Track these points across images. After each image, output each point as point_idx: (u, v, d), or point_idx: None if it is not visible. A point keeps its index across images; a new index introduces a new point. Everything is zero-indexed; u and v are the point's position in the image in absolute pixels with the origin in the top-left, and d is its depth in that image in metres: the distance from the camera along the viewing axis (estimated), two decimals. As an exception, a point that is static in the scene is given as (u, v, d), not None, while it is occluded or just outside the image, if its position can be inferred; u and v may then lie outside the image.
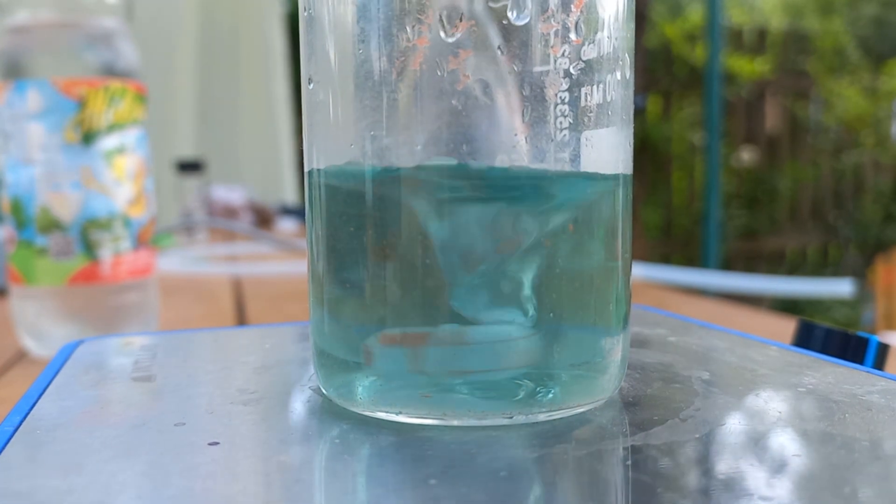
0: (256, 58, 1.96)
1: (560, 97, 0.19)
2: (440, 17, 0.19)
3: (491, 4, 0.19)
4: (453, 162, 0.19)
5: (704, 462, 0.18)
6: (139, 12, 1.61)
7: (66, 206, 0.40)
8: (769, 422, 0.20)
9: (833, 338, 0.29)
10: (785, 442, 0.18)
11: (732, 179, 3.53)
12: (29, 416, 0.21)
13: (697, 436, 0.19)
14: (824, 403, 0.21)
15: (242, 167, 1.92)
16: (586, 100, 0.20)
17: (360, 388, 0.20)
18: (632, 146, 0.22)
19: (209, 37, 1.87)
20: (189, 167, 1.24)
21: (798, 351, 0.27)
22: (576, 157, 0.20)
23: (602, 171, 0.20)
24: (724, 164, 3.12)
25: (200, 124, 1.85)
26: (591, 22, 0.19)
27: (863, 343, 0.28)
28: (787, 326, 0.50)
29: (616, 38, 0.20)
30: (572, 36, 0.19)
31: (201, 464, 0.18)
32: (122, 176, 0.41)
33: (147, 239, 0.44)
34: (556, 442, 0.19)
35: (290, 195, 1.98)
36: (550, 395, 0.20)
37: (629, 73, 0.21)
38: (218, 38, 1.89)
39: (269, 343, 0.30)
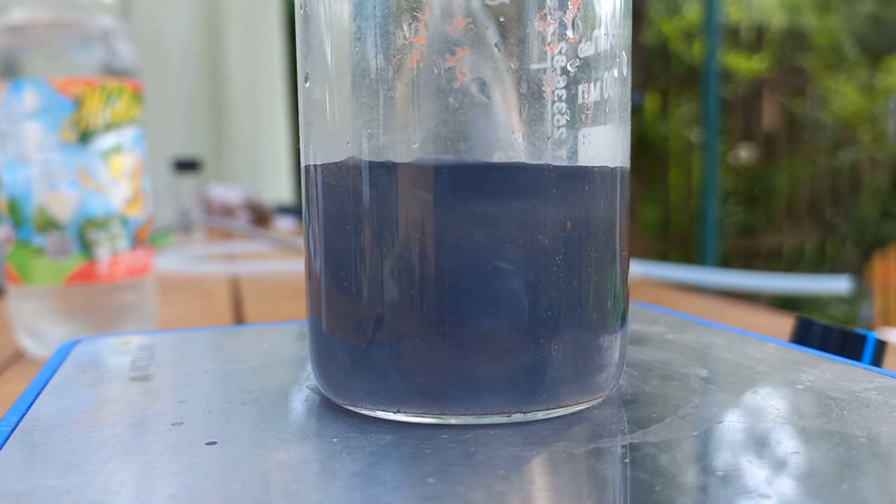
0: (253, 56, 1.96)
1: (557, 94, 0.19)
2: (437, 14, 0.19)
3: (488, 2, 0.18)
4: (450, 159, 0.19)
5: (703, 459, 0.18)
6: (136, 11, 1.61)
7: (63, 206, 0.40)
8: (767, 419, 0.20)
9: (831, 335, 0.29)
10: (783, 439, 0.18)
11: (730, 177, 3.53)
12: (26, 416, 0.21)
13: (696, 433, 0.19)
14: (822, 400, 0.21)
15: (240, 166, 1.91)
16: (583, 97, 0.20)
17: (357, 387, 0.20)
18: (629, 143, 0.22)
19: (206, 35, 1.86)
20: (186, 166, 1.24)
21: (796, 348, 0.27)
22: (573, 155, 0.20)
23: (599, 169, 0.20)
24: (721, 161, 3.13)
25: (197, 123, 1.84)
26: (588, 19, 0.19)
27: (860, 340, 0.28)
28: (784, 323, 0.50)
29: (613, 36, 0.20)
30: (569, 33, 0.19)
31: (199, 463, 0.17)
32: (119, 175, 0.41)
33: (144, 238, 0.44)
34: (555, 440, 0.19)
35: (285, 194, 1.98)
36: (548, 393, 0.20)
37: (626, 71, 0.21)
38: (215, 36, 1.89)
39: (266, 342, 0.30)
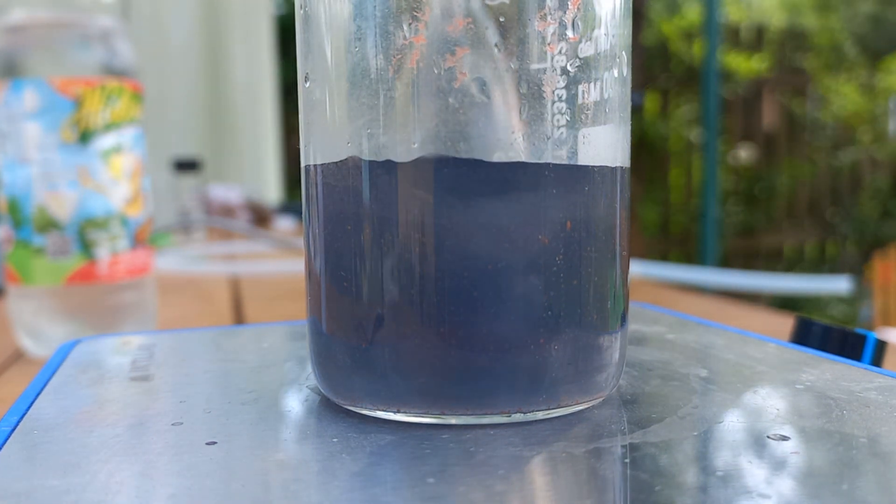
0: (253, 55, 1.96)
1: (557, 94, 0.19)
2: (437, 14, 0.19)
3: (488, 2, 0.18)
4: (450, 159, 0.19)
5: (703, 459, 0.18)
6: (136, 11, 1.61)
7: (63, 206, 0.40)
8: (767, 419, 0.20)
9: (831, 335, 0.29)
10: (783, 439, 0.18)
11: (730, 177, 3.53)
12: (26, 416, 0.21)
13: (696, 433, 0.19)
14: (822, 400, 0.21)
15: (240, 166, 1.92)
16: (583, 97, 0.20)
17: (357, 387, 0.20)
18: (629, 143, 0.22)
19: (206, 35, 1.86)
20: (186, 166, 1.24)
21: (796, 348, 0.27)
22: (573, 155, 0.20)
23: (599, 169, 0.20)
24: (721, 161, 3.13)
25: (197, 123, 1.84)
26: (588, 19, 0.19)
27: (860, 340, 0.28)
28: (784, 323, 0.50)
29: (613, 36, 0.20)
30: (569, 33, 0.19)
31: (199, 463, 0.17)
32: (119, 175, 0.41)
33: (144, 238, 0.44)
34: (555, 440, 0.19)
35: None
36: (548, 393, 0.20)
37: (626, 71, 0.21)
38: (215, 36, 1.89)
39: (266, 342, 0.30)
